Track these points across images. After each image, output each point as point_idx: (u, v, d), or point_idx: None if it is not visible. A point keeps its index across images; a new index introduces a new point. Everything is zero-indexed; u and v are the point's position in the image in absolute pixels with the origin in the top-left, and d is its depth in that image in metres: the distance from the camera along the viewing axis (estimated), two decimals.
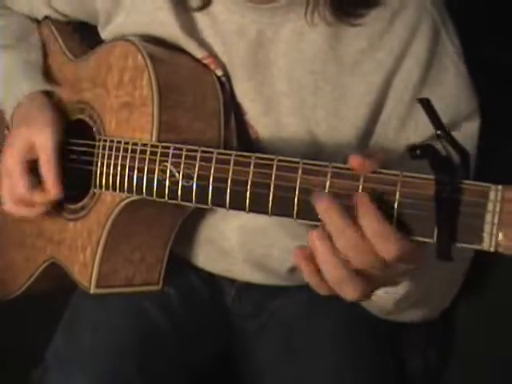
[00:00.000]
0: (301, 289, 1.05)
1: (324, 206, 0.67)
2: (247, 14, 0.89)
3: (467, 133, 0.87)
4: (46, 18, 1.07)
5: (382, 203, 0.65)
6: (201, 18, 0.92)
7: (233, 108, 0.92)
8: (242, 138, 0.92)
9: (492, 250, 0.61)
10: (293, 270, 1.01)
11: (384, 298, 0.81)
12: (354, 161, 0.68)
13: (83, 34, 1.05)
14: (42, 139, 0.95)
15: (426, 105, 0.62)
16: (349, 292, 0.67)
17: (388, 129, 0.89)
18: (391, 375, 1.01)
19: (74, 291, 1.03)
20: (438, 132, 0.62)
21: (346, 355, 0.99)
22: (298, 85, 0.89)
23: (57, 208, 0.99)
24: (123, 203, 0.89)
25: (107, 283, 0.94)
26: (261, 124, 0.92)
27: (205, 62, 0.92)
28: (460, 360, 1.04)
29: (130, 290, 0.97)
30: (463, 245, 0.62)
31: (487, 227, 0.61)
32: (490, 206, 0.61)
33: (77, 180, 0.96)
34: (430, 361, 1.05)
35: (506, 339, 0.97)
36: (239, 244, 1.00)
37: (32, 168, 0.96)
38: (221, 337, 1.09)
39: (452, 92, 0.87)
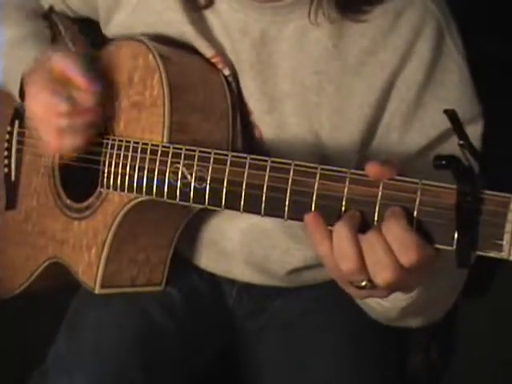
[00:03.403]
0: (301, 290, 1.06)
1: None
2: (250, 12, 0.89)
3: (471, 136, 0.88)
4: (52, 11, 1.06)
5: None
6: (210, 16, 0.92)
7: (239, 107, 0.92)
8: (247, 137, 0.93)
9: (511, 259, 0.62)
10: (292, 272, 1.02)
11: (388, 308, 0.82)
12: (371, 168, 0.68)
13: (89, 33, 1.04)
14: (55, 57, 0.89)
15: (452, 115, 0.63)
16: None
17: (391, 129, 0.89)
18: (393, 376, 1.02)
19: (75, 291, 1.02)
20: (461, 142, 0.63)
21: (348, 356, 0.99)
22: (301, 85, 0.89)
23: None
24: (131, 204, 0.88)
25: (112, 283, 0.94)
26: (265, 123, 0.92)
27: (213, 60, 0.92)
28: (462, 358, 1.05)
29: (134, 290, 0.97)
30: (482, 253, 0.64)
31: (507, 236, 0.62)
32: (510, 216, 0.62)
33: (81, 179, 0.95)
34: (432, 359, 1.07)
35: (508, 338, 0.99)
36: (241, 245, 1.00)
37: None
38: (222, 337, 1.09)
39: (455, 94, 0.88)
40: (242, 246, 1.00)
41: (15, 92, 0.97)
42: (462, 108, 0.87)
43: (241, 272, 1.03)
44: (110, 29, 0.98)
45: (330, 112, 0.89)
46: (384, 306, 0.82)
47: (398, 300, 0.79)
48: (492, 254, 0.63)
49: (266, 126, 0.92)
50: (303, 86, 0.89)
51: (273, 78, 0.90)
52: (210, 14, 0.92)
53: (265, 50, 0.89)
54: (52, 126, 0.88)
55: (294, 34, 0.88)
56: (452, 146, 0.70)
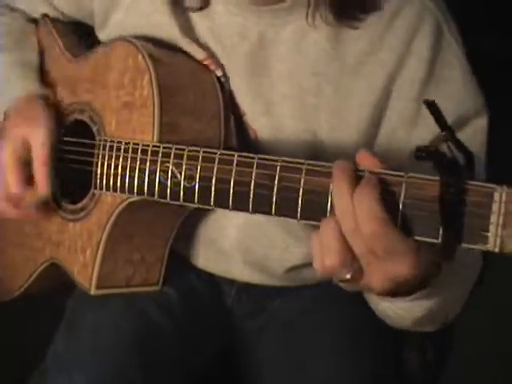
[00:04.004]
0: (301, 289, 1.06)
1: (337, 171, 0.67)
2: (248, 16, 0.89)
3: (476, 130, 0.88)
4: (45, 16, 1.07)
5: (386, 203, 0.65)
6: (198, 20, 0.92)
7: (232, 108, 0.92)
8: (241, 138, 0.92)
9: (497, 250, 0.61)
10: (291, 270, 1.01)
11: (403, 316, 0.82)
12: (361, 155, 0.68)
13: (82, 35, 1.04)
14: (37, 138, 0.94)
15: (432, 106, 0.63)
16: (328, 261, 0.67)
17: (398, 129, 0.88)
18: (392, 376, 1.01)
19: (74, 291, 1.03)
20: (443, 133, 0.63)
21: (347, 355, 0.98)
22: (299, 87, 0.89)
23: (53, 209, 0.98)
24: (124, 204, 0.89)
25: (107, 284, 0.94)
26: (260, 124, 0.92)
27: (205, 63, 0.92)
28: (458, 358, 1.04)
29: (130, 290, 0.97)
30: (468, 245, 0.63)
31: (492, 228, 0.61)
32: (494, 207, 0.61)
33: (76, 181, 0.96)
34: (429, 360, 1.06)
35: (505, 338, 0.98)
36: (238, 242, 1.00)
37: (25, 166, 0.95)
38: (221, 337, 1.09)
39: (459, 89, 0.87)
40: (239, 243, 1.00)
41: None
42: (467, 103, 0.87)
43: (240, 272, 1.03)
44: (107, 30, 0.98)
45: (329, 113, 0.89)
46: (399, 315, 0.82)
47: (413, 311, 0.80)
48: (478, 247, 0.62)
49: (261, 128, 0.92)
50: (301, 88, 0.89)
51: (269, 81, 0.90)
52: (198, 18, 0.92)
53: (262, 53, 0.89)
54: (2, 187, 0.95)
55: (292, 36, 0.88)
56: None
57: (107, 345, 0.96)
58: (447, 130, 0.62)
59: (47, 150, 0.94)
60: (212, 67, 0.91)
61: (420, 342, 1.06)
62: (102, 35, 0.99)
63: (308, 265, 1.01)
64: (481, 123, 0.88)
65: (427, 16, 0.86)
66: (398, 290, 0.70)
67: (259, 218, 0.83)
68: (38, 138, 0.95)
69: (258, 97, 0.90)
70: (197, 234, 1.02)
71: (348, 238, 0.67)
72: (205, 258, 1.05)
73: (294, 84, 0.89)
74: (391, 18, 0.85)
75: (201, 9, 0.91)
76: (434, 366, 1.06)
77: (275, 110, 0.90)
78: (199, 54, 0.91)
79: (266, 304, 1.08)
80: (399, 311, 0.81)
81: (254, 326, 1.07)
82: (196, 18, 0.92)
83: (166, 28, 0.92)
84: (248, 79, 0.90)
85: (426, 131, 0.86)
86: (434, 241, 0.64)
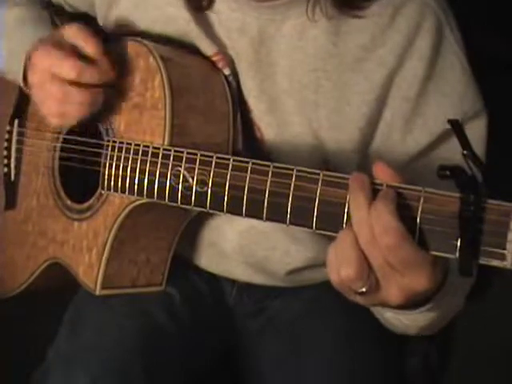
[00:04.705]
0: (301, 290, 1.06)
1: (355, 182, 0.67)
2: (248, 11, 0.88)
3: (475, 131, 0.88)
4: (50, 5, 1.05)
5: (404, 216, 0.66)
6: (211, 14, 0.92)
7: (239, 107, 0.91)
8: (248, 136, 0.92)
9: None
10: (292, 272, 1.02)
11: (408, 326, 0.82)
12: (378, 166, 0.68)
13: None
14: (70, 27, 0.87)
15: (456, 125, 0.63)
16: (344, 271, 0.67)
17: (394, 128, 0.89)
18: (393, 376, 1.03)
19: (75, 290, 1.02)
20: (465, 152, 0.63)
21: (348, 355, 0.99)
22: (299, 83, 0.89)
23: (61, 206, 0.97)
24: (132, 205, 0.88)
25: (112, 284, 0.94)
26: (265, 122, 0.92)
27: (214, 59, 0.91)
28: (461, 358, 1.05)
29: (134, 290, 0.97)
30: (485, 262, 0.64)
31: (509, 246, 0.62)
32: None
33: (82, 180, 0.95)
34: (430, 359, 1.07)
35: (506, 339, 0.99)
36: (240, 246, 1.00)
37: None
38: (223, 337, 1.09)
39: (458, 89, 0.87)
40: (241, 247, 1.00)
41: (18, 75, 0.93)
42: (466, 104, 0.87)
43: (241, 272, 1.03)
44: (110, 21, 0.97)
45: (329, 110, 0.89)
46: (404, 324, 0.82)
47: (418, 321, 0.81)
48: (495, 263, 0.63)
49: (266, 125, 0.92)
50: (301, 84, 0.88)
51: (272, 77, 0.90)
52: (211, 13, 0.91)
53: (263, 49, 0.89)
54: (54, 88, 0.85)
55: (292, 32, 0.88)
56: (453, 146, 0.70)
57: (110, 345, 0.96)
58: (469, 148, 0.63)
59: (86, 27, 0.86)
60: (220, 64, 0.91)
61: (422, 340, 1.06)
62: (107, 25, 0.98)
63: (309, 267, 1.02)
64: (479, 125, 0.89)
65: (428, 14, 0.86)
66: (410, 303, 0.71)
67: (260, 223, 0.83)
68: (70, 25, 0.87)
69: (263, 94, 0.90)
70: (199, 237, 1.02)
71: (365, 250, 0.67)
72: (207, 259, 1.05)
73: (294, 80, 0.89)
74: (394, 13, 0.85)
75: (207, 7, 0.90)
76: (435, 364, 1.07)
77: (279, 107, 0.90)
78: (210, 48, 0.91)
79: (266, 304, 1.08)
80: (405, 321, 0.82)
81: (255, 326, 1.08)
82: (208, 12, 0.91)
83: (180, 21, 0.91)
84: (252, 75, 0.90)
85: (422, 133, 0.87)
86: (451, 256, 0.65)
